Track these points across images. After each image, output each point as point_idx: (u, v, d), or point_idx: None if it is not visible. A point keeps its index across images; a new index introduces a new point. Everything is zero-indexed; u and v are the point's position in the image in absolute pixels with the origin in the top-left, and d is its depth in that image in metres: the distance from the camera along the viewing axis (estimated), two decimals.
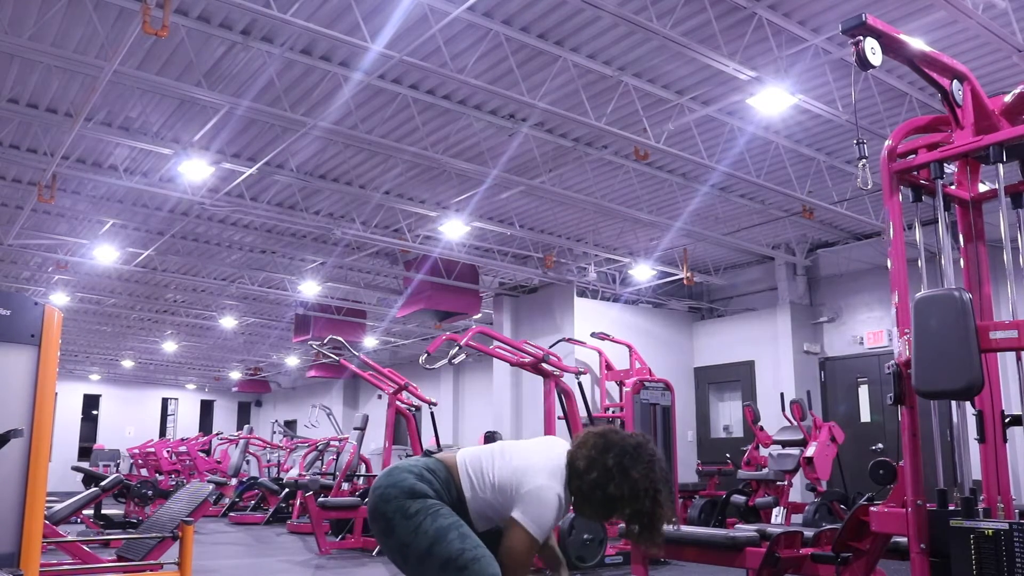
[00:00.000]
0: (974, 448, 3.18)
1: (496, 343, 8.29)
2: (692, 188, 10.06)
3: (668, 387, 9.89)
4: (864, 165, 3.41)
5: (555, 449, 2.67)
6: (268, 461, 18.05)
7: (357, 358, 10.39)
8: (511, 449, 2.67)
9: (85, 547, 5.74)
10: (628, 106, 7.83)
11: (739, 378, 13.29)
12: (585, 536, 6.73)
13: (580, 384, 8.44)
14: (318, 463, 14.08)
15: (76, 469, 13.40)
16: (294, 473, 13.30)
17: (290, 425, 23.13)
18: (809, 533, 4.02)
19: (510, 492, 2.55)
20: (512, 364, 8.24)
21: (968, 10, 5.93)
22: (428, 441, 9.79)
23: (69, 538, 6.31)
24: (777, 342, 12.56)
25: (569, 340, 11.60)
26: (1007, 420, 3.20)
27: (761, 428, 9.62)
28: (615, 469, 2.53)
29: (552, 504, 2.53)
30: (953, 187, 3.49)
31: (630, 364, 11.62)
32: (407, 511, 2.47)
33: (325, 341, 11.30)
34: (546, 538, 2.63)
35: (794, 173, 9.38)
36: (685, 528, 4.81)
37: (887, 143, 3.31)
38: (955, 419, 3.21)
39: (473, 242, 12.22)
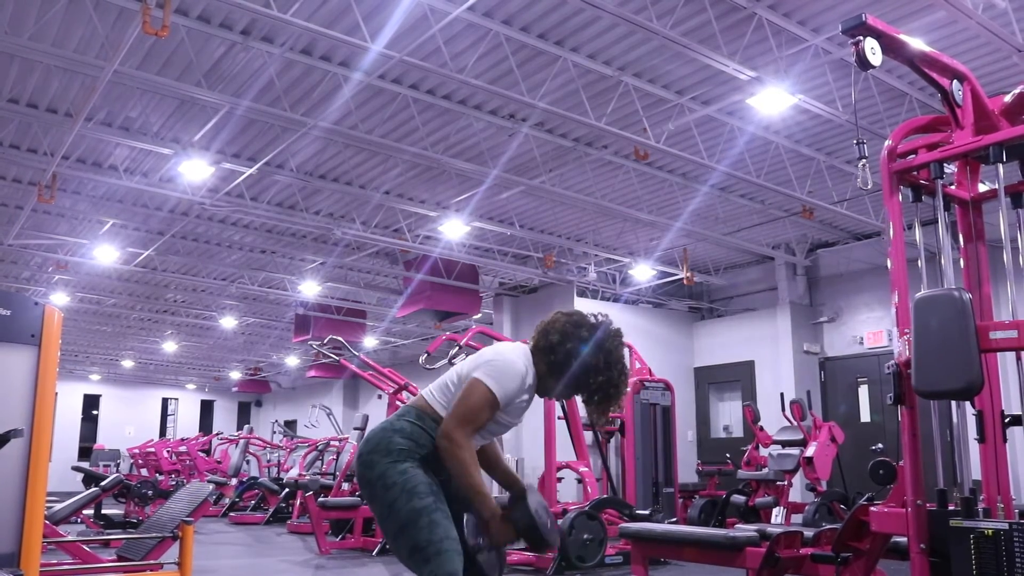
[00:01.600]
0: (974, 448, 3.18)
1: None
2: (692, 188, 10.07)
3: (668, 387, 9.88)
4: (864, 165, 3.41)
5: (516, 343, 2.75)
6: (268, 461, 18.04)
7: (357, 358, 10.39)
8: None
9: (85, 547, 5.74)
10: (628, 106, 7.83)
11: (739, 378, 13.30)
12: (585, 536, 6.73)
13: None
14: (318, 463, 14.08)
15: (76, 469, 13.41)
16: (294, 473, 13.29)
17: (290, 425, 23.12)
18: (809, 533, 4.02)
19: (470, 369, 2.57)
20: None
21: (968, 10, 5.94)
22: None
23: (69, 538, 6.31)
24: (777, 342, 12.56)
25: None
26: (1007, 420, 3.19)
27: (761, 428, 9.62)
28: (590, 338, 2.63)
29: (516, 369, 2.56)
30: (953, 187, 3.49)
31: (630, 364, 11.61)
32: (387, 481, 2.47)
33: (325, 341, 11.30)
34: (509, 417, 2.62)
35: (794, 173, 9.38)
36: (685, 528, 4.82)
37: (887, 143, 3.31)
38: (955, 419, 3.21)
39: (473, 242, 12.22)
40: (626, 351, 2.72)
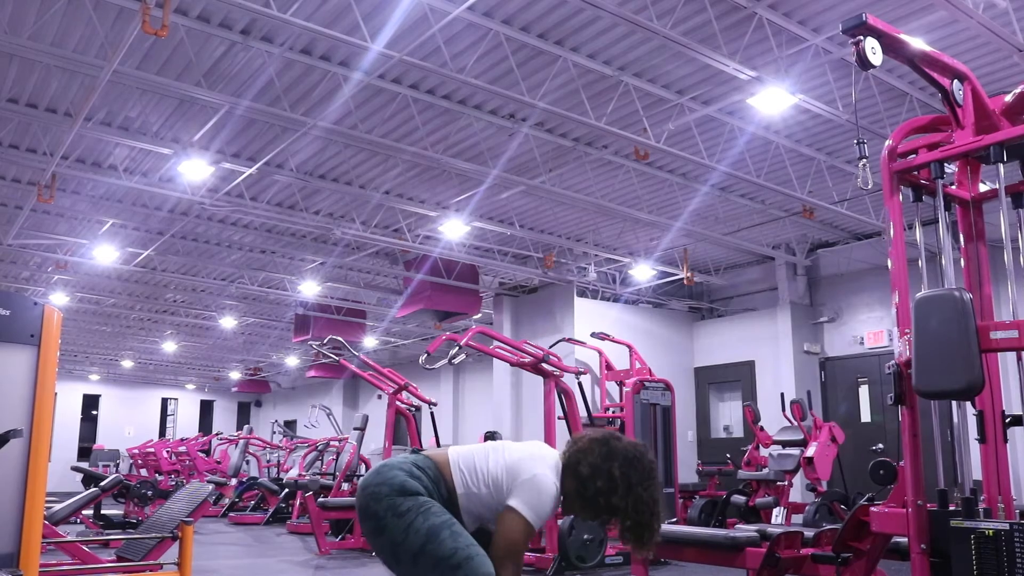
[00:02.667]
0: (974, 448, 3.17)
1: (496, 343, 8.29)
2: (692, 188, 10.06)
3: (668, 387, 9.89)
4: (864, 165, 3.40)
5: (548, 448, 2.70)
6: (268, 461, 18.05)
7: (357, 358, 10.39)
8: (504, 446, 2.68)
9: (85, 547, 5.73)
10: (628, 106, 7.83)
11: (739, 378, 13.29)
12: (585, 536, 6.72)
13: (580, 384, 8.44)
14: (318, 463, 14.08)
15: (76, 469, 13.40)
16: (294, 473, 13.29)
17: (290, 425, 23.11)
18: (809, 533, 4.01)
19: (506, 484, 2.55)
20: (512, 364, 8.24)
21: (968, 10, 5.93)
22: (428, 441, 9.78)
23: (69, 538, 6.31)
24: (777, 342, 12.55)
25: (569, 340, 11.60)
26: (1007, 420, 3.19)
27: (761, 428, 9.62)
28: (620, 480, 2.56)
29: (550, 493, 2.54)
30: (953, 187, 3.49)
31: (630, 364, 11.61)
32: (398, 509, 2.46)
33: (325, 341, 11.30)
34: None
35: (794, 173, 9.37)
36: (685, 528, 4.81)
37: (887, 143, 3.31)
38: (955, 419, 3.20)
39: (473, 242, 12.22)
40: (658, 484, 2.65)
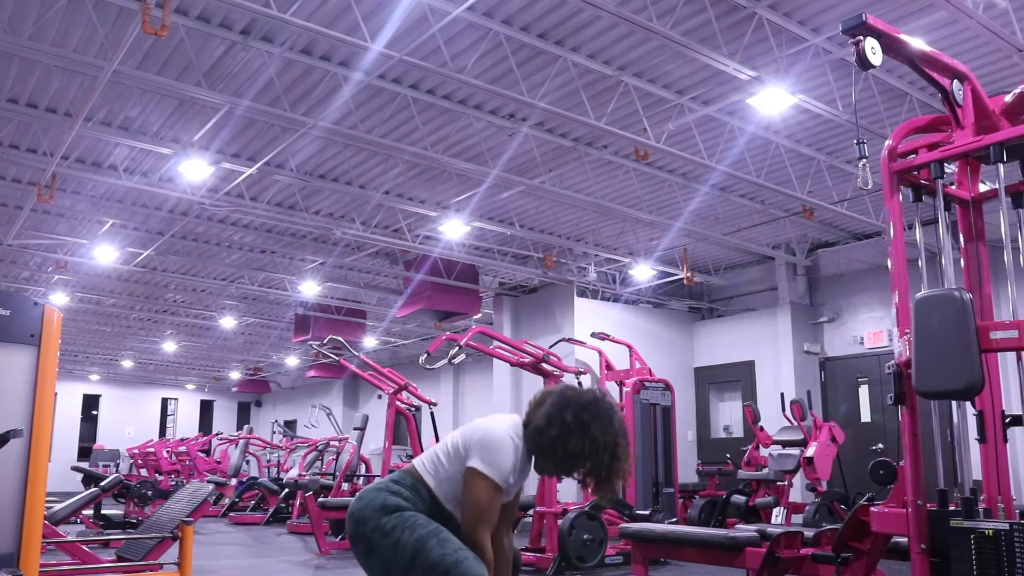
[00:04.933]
0: (974, 448, 3.17)
1: (496, 343, 8.29)
2: (692, 188, 10.06)
3: (668, 387, 9.87)
4: (864, 165, 3.40)
5: (509, 415, 2.73)
6: (268, 461, 18.06)
7: (357, 358, 10.39)
8: (463, 426, 2.72)
9: (85, 547, 5.74)
10: (628, 106, 7.83)
11: (739, 378, 13.29)
12: (585, 536, 6.73)
13: (580, 384, 8.44)
14: (318, 463, 14.08)
15: (76, 469, 13.41)
16: (294, 473, 13.29)
17: (290, 425, 23.12)
18: (809, 533, 4.01)
19: (463, 449, 2.57)
20: (512, 364, 8.24)
21: (968, 10, 5.93)
22: (428, 441, 9.78)
23: (69, 538, 6.31)
24: (777, 342, 12.56)
25: (569, 340, 11.59)
26: (1007, 420, 3.19)
27: (761, 428, 9.62)
28: (574, 424, 2.57)
29: (505, 444, 2.55)
30: (953, 187, 3.49)
31: (630, 364, 11.60)
32: (384, 528, 2.48)
33: (325, 341, 11.30)
34: (512, 488, 2.61)
35: (794, 173, 9.38)
36: (685, 528, 4.81)
37: (887, 143, 3.31)
38: (955, 419, 3.20)
39: (473, 242, 12.22)
40: (618, 425, 2.65)
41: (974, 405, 3.20)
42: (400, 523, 2.48)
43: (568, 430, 2.57)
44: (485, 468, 2.50)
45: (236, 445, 16.56)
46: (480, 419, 2.70)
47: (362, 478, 11.37)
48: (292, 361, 22.72)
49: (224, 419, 28.38)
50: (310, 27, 6.24)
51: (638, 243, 12.33)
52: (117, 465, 21.99)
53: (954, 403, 3.18)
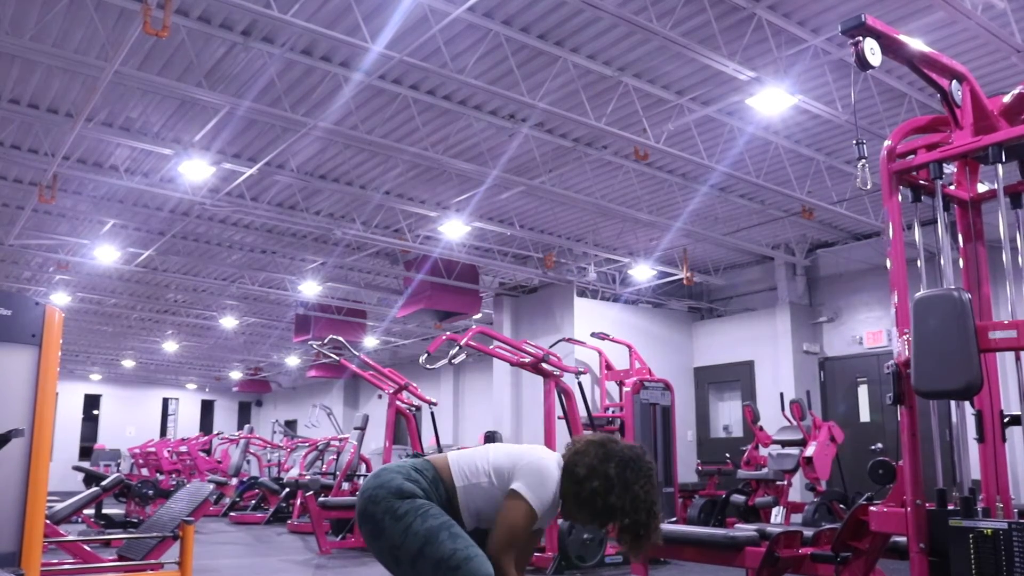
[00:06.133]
0: (973, 448, 3.18)
1: (496, 343, 8.30)
2: (692, 188, 10.07)
3: (668, 387, 9.90)
4: (864, 165, 3.41)
5: (550, 451, 2.71)
6: (268, 461, 18.06)
7: (357, 358, 10.40)
8: (507, 444, 2.72)
9: (86, 547, 5.74)
10: (628, 106, 7.84)
11: (739, 378, 13.30)
12: (585, 536, 6.74)
13: (580, 384, 8.44)
14: (318, 463, 14.09)
15: (77, 469, 13.44)
16: (294, 473, 13.30)
17: (290, 425, 23.15)
18: (809, 533, 4.02)
19: (507, 469, 2.55)
20: (512, 364, 8.25)
21: (967, 11, 5.94)
22: (428, 441, 9.80)
23: (70, 538, 6.31)
24: (777, 342, 12.56)
25: (569, 340, 11.60)
26: (1006, 420, 3.20)
27: (761, 428, 9.63)
28: (616, 480, 2.56)
29: (553, 478, 2.55)
30: (952, 187, 3.49)
31: (630, 364, 11.62)
32: (396, 512, 2.46)
33: (325, 341, 11.30)
34: (541, 524, 2.61)
35: (794, 173, 9.38)
36: (685, 527, 4.82)
37: (886, 143, 3.32)
38: (954, 419, 3.21)
39: (473, 242, 12.22)
40: (656, 485, 2.65)
41: (973, 405, 3.21)
42: (413, 510, 2.46)
43: (611, 484, 2.55)
44: (529, 494, 2.50)
45: (237, 445, 16.56)
46: (526, 446, 2.69)
47: (362, 478, 11.38)
48: (293, 361, 22.73)
49: (225, 419, 28.39)
50: (311, 28, 6.25)
51: (638, 243, 12.33)
52: (118, 465, 22.00)
53: (953, 403, 3.19)
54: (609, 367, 11.86)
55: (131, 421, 26.40)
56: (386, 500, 2.49)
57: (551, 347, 8.42)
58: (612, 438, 2.70)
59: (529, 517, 2.50)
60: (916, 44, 3.21)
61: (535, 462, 2.57)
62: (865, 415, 11.89)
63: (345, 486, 10.09)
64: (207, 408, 28.78)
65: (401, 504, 2.48)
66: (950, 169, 3.43)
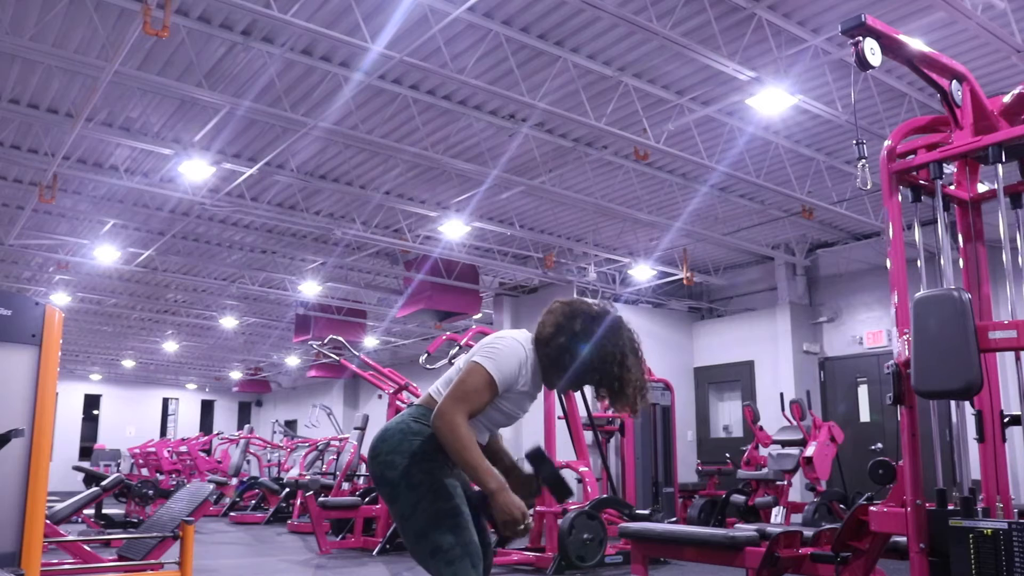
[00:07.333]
0: (973, 448, 3.18)
1: None
2: (692, 188, 10.07)
3: (668, 387, 9.89)
4: (864, 165, 3.41)
5: (518, 329, 2.72)
6: (268, 461, 18.06)
7: (357, 358, 10.39)
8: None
9: (86, 547, 5.74)
10: (628, 106, 7.84)
11: (739, 378, 13.30)
12: (585, 536, 6.73)
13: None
14: (318, 463, 14.09)
15: (77, 469, 13.42)
16: (294, 473, 13.30)
17: (290, 425, 23.15)
18: (809, 533, 4.02)
19: (471, 356, 2.54)
20: None
21: (967, 11, 5.94)
22: None
23: (70, 537, 6.31)
24: (777, 342, 12.56)
25: None
26: (1006, 420, 3.20)
27: (761, 428, 9.63)
28: (582, 334, 2.56)
29: (511, 348, 2.52)
30: (952, 187, 3.49)
31: None
32: (412, 479, 2.43)
33: (325, 341, 11.30)
34: (514, 404, 2.57)
35: (794, 173, 9.39)
36: (685, 528, 4.82)
37: (886, 143, 3.32)
38: (954, 419, 3.21)
39: (473, 242, 12.23)
40: (626, 338, 2.61)
41: (973, 405, 3.21)
42: (429, 483, 2.42)
43: (576, 338, 2.56)
44: (486, 362, 2.46)
45: (237, 445, 16.57)
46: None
47: (362, 478, 11.37)
48: (293, 361, 22.73)
49: (225, 419, 28.39)
50: (311, 28, 6.26)
51: (638, 243, 12.33)
52: (118, 465, 22.00)
53: (953, 403, 3.19)
54: None
55: (131, 421, 26.40)
56: (402, 464, 2.45)
57: None
58: (581, 299, 2.71)
59: (483, 377, 2.44)
60: (916, 44, 3.21)
61: (490, 339, 2.57)
62: (865, 415, 11.89)
63: (345, 486, 10.09)
64: (207, 408, 28.77)
65: (416, 473, 2.44)
66: (950, 169, 3.43)
